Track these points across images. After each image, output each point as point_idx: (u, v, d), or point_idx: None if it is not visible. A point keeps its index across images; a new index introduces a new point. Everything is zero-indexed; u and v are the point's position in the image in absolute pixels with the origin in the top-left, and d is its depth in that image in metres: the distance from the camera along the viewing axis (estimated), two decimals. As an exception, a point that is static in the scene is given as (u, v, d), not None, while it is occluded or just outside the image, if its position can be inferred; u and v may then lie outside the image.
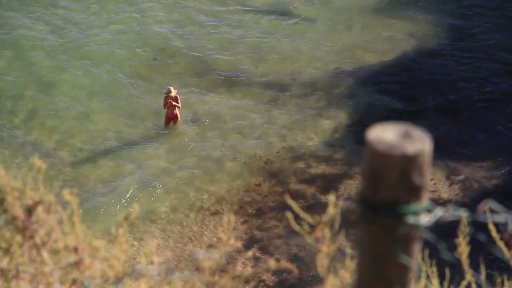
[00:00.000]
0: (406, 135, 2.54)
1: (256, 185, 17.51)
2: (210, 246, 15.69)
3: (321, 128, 19.15)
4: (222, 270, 3.81)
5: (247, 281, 14.93)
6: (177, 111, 19.17)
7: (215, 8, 23.48)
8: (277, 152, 18.39)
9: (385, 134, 2.55)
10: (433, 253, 4.32)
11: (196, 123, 19.36)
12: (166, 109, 19.18)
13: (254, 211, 16.91)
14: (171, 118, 19.20)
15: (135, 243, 15.57)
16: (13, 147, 18.33)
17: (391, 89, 20.48)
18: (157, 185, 17.50)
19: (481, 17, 23.43)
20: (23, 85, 20.20)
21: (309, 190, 17.37)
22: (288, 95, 20.21)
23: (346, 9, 23.82)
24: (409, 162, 2.52)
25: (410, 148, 2.52)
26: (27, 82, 20.33)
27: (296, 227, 3.23)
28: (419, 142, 2.53)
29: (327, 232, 3.07)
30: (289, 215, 3.27)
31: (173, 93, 19.11)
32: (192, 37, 22.08)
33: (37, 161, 3.82)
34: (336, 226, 3.19)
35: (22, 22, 22.34)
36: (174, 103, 19.05)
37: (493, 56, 21.75)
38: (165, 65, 21.20)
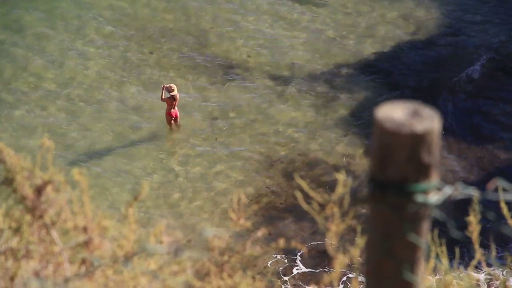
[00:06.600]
0: (415, 114, 2.54)
1: (268, 169, 17.51)
2: (220, 226, 15.73)
3: (326, 120, 18.95)
4: (231, 249, 3.81)
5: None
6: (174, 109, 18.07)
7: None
8: (283, 146, 18.29)
9: (394, 112, 2.54)
10: (442, 232, 4.32)
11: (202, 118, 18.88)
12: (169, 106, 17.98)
13: (265, 193, 16.93)
14: (173, 116, 18.12)
15: (144, 223, 15.62)
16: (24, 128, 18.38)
17: (393, 78, 20.30)
18: (167, 169, 17.53)
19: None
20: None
21: (317, 175, 17.41)
22: (290, 87, 19.92)
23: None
24: (417, 141, 2.51)
25: (419, 126, 2.51)
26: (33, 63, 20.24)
27: (305, 206, 3.22)
28: (428, 120, 2.53)
29: (336, 211, 3.07)
30: (298, 194, 3.27)
31: (175, 91, 17.82)
32: (191, 31, 21.71)
33: (46, 141, 3.83)
34: (345, 205, 3.19)
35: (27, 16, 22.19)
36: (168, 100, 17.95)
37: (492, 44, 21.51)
38: (161, 59, 20.54)
